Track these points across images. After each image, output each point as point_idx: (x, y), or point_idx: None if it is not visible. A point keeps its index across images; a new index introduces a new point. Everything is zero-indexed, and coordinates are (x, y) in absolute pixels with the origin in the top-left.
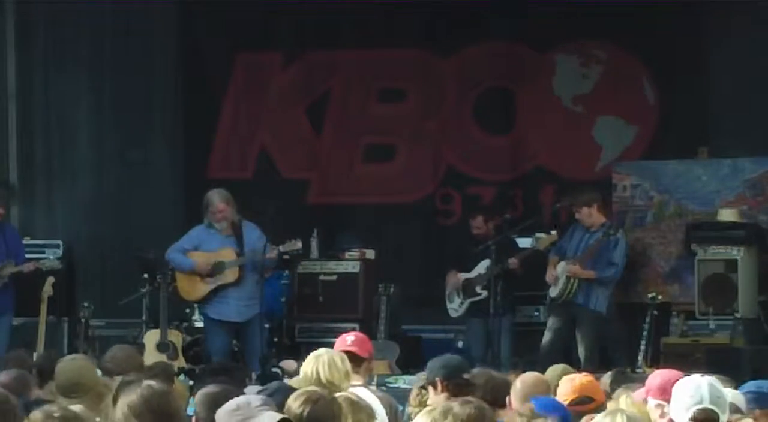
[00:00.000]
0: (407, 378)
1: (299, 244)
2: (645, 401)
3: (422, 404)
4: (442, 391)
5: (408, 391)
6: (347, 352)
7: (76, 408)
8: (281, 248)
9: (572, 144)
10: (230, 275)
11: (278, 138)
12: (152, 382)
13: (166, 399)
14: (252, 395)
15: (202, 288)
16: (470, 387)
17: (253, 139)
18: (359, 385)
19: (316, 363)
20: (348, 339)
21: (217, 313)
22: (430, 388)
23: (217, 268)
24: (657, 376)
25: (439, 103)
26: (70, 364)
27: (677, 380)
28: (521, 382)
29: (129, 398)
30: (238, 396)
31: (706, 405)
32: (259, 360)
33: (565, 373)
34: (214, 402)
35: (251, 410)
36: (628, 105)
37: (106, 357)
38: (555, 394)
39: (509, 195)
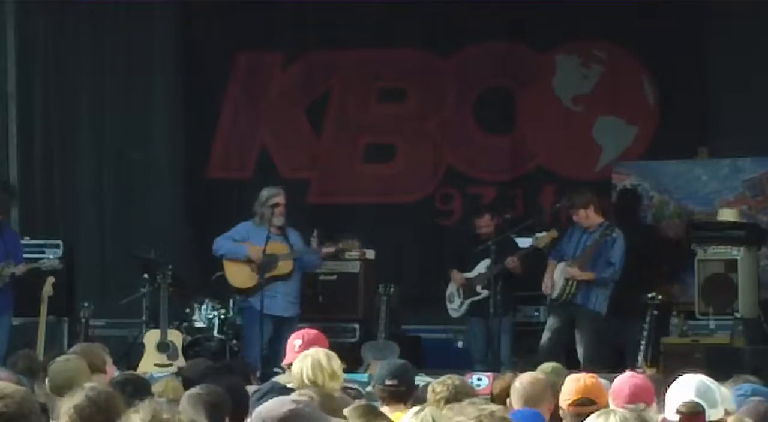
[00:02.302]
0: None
1: (357, 243)
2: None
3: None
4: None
5: None
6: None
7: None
8: (341, 245)
9: (572, 144)
10: (284, 267)
11: (278, 138)
12: (95, 385)
13: (113, 400)
14: (292, 399)
15: (255, 277)
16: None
17: (253, 139)
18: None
19: (303, 363)
20: (296, 344)
21: (264, 307)
22: None
23: (270, 260)
24: (621, 383)
25: (439, 103)
26: (64, 365)
27: (641, 384)
28: (520, 383)
29: (74, 400)
30: (223, 396)
31: (692, 397)
32: (261, 360)
33: (557, 372)
34: (205, 405)
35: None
36: (628, 105)
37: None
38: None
39: (509, 195)
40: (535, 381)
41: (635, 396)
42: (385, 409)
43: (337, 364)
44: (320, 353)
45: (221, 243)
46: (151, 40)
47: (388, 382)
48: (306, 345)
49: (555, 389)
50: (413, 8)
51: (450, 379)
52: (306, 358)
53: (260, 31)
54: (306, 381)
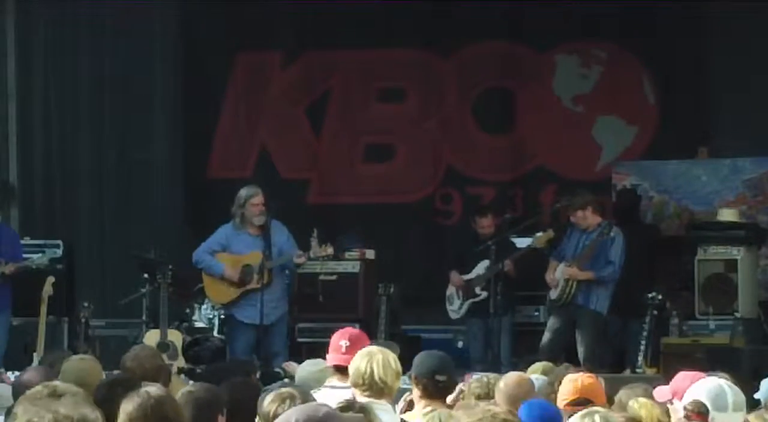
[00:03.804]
0: (407, 378)
1: (330, 249)
2: (671, 402)
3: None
4: (415, 387)
5: (409, 391)
6: (339, 366)
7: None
8: (311, 254)
9: (572, 144)
10: (259, 280)
11: (278, 138)
12: (151, 389)
13: (164, 405)
14: (319, 406)
15: (231, 292)
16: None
17: (253, 139)
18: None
19: (371, 361)
20: (342, 345)
21: (245, 316)
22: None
23: (246, 273)
24: (686, 379)
25: (439, 103)
26: (77, 364)
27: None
28: (505, 383)
29: (128, 406)
30: (216, 394)
31: (702, 398)
32: (261, 360)
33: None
34: (197, 403)
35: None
36: (628, 105)
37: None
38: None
39: (509, 195)
40: (521, 382)
41: None
42: (421, 403)
43: (399, 364)
44: (387, 353)
45: (200, 257)
46: (151, 40)
47: (438, 377)
48: (354, 345)
49: (552, 388)
50: (413, 8)
51: (486, 377)
52: (376, 356)
53: (260, 31)
54: (377, 379)
